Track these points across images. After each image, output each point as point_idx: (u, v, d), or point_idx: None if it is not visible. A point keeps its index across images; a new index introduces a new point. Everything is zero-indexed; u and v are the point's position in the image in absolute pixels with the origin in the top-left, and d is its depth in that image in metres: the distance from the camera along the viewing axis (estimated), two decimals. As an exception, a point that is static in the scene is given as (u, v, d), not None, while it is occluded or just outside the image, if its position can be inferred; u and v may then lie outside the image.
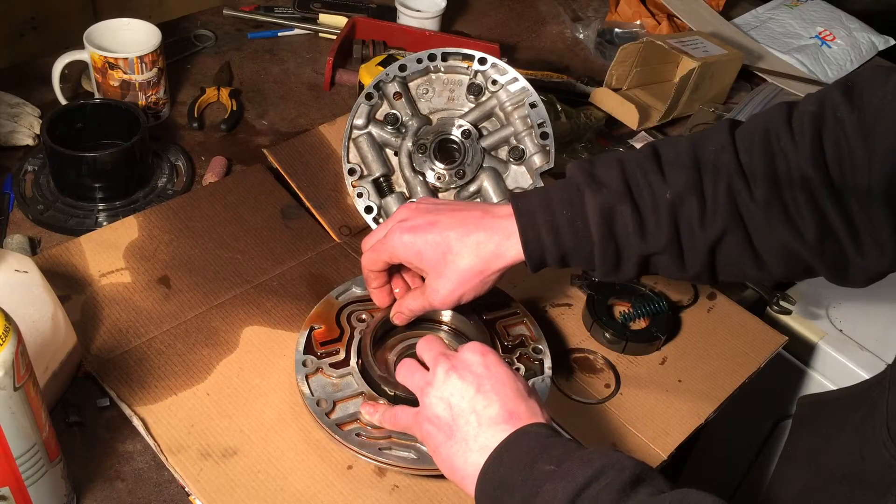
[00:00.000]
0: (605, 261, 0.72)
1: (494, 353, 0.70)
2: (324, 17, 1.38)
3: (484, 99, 1.00)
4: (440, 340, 0.74)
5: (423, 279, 0.80)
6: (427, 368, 0.71)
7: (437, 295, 0.77)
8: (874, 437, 0.71)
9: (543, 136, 0.98)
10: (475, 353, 0.69)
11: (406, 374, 0.73)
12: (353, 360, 0.81)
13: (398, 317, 0.83)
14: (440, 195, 0.99)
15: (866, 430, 0.74)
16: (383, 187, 1.00)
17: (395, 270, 0.83)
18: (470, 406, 0.66)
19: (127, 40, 1.11)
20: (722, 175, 0.69)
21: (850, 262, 0.68)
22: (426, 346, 0.73)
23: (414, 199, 0.98)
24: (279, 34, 1.37)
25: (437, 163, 0.98)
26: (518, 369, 0.83)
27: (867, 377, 1.04)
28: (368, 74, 1.16)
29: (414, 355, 0.86)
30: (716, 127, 0.72)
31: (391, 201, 0.99)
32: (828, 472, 0.77)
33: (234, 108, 1.18)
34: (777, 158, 0.68)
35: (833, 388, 1.08)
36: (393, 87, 1.00)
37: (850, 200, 0.66)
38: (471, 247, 0.74)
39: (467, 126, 0.98)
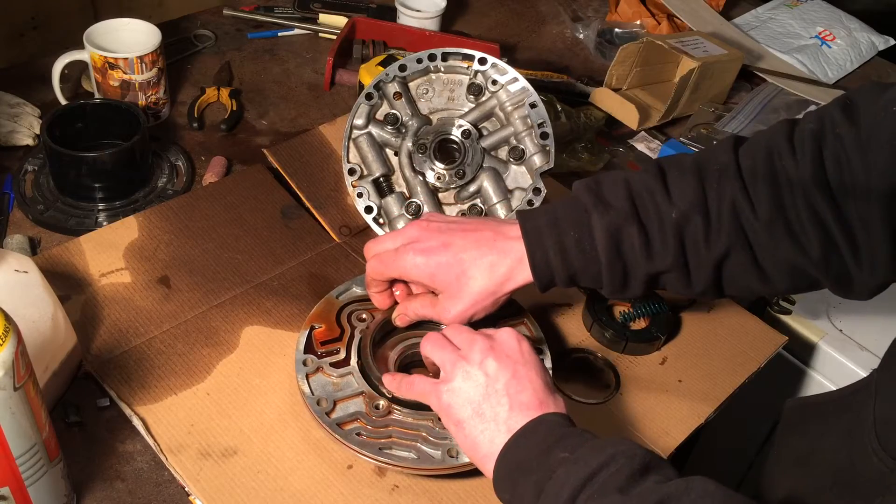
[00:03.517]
0: (612, 280, 0.73)
1: (528, 342, 0.72)
2: (324, 17, 1.38)
3: (484, 99, 1.00)
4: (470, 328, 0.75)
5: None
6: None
7: (449, 314, 0.77)
8: (862, 444, 0.71)
9: (543, 136, 0.98)
10: (512, 339, 0.71)
11: (434, 346, 0.73)
12: (354, 360, 0.81)
13: (401, 318, 0.83)
14: (440, 195, 0.99)
15: (853, 437, 0.74)
16: (383, 187, 1.00)
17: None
18: (504, 388, 0.68)
19: (127, 40, 1.11)
20: (726, 194, 0.70)
21: (853, 277, 0.69)
22: (457, 328, 0.74)
23: (416, 200, 0.98)
24: (279, 34, 1.37)
25: (437, 163, 0.98)
26: None
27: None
28: (368, 74, 1.16)
29: (411, 357, 0.86)
30: (720, 144, 0.73)
31: (391, 201, 0.99)
32: (816, 477, 0.77)
33: (234, 108, 1.18)
34: (779, 176, 0.69)
35: (833, 388, 1.08)
36: (393, 87, 1.00)
37: (852, 216, 0.67)
38: (484, 269, 0.75)
39: (467, 126, 0.98)
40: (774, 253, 0.70)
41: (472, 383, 0.69)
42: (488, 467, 0.67)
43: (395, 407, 0.77)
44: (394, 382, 0.77)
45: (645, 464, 0.60)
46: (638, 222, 0.71)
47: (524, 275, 0.75)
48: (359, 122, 0.99)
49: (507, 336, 0.72)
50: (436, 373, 0.75)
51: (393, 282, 0.83)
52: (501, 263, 0.75)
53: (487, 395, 0.68)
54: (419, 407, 0.77)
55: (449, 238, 0.76)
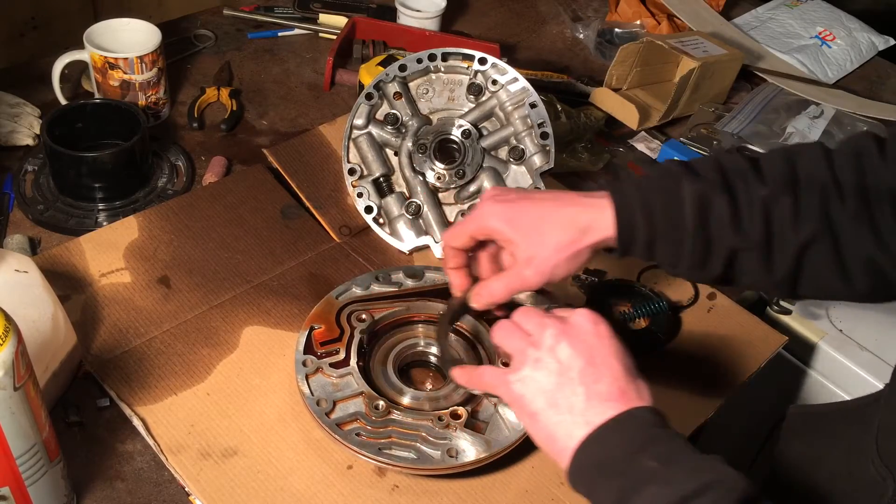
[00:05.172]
0: (694, 251, 0.70)
1: (606, 324, 0.67)
2: (324, 17, 1.38)
3: (484, 99, 1.00)
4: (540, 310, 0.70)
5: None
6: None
7: (529, 267, 0.71)
8: (863, 454, 0.71)
9: (543, 136, 0.98)
10: (587, 321, 0.66)
11: (503, 333, 0.69)
12: (353, 360, 0.81)
13: (476, 299, 0.76)
14: (440, 195, 0.99)
15: (856, 446, 0.74)
16: (383, 187, 1.00)
17: (472, 260, 0.79)
18: (579, 377, 0.63)
19: (127, 40, 1.11)
20: (816, 182, 0.69)
21: None
22: (528, 312, 0.69)
23: (416, 199, 0.98)
24: (279, 34, 1.37)
25: (437, 163, 0.98)
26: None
27: (867, 377, 1.04)
28: (368, 74, 1.16)
29: (411, 357, 0.86)
30: (807, 144, 0.73)
31: (391, 201, 0.99)
32: (817, 485, 0.77)
33: (234, 108, 1.18)
34: (868, 175, 0.69)
35: (833, 388, 1.08)
36: (393, 87, 1.00)
37: None
38: (566, 218, 0.71)
39: (467, 126, 0.98)
40: (857, 247, 0.68)
41: (543, 371, 0.64)
42: (565, 460, 0.63)
43: (395, 407, 0.77)
44: (463, 375, 0.73)
45: (745, 498, 0.56)
46: (728, 193, 0.69)
47: (606, 227, 0.71)
48: (359, 122, 0.99)
49: (581, 317, 0.66)
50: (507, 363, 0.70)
51: (470, 262, 0.78)
52: (583, 214, 0.71)
53: (561, 385, 0.63)
54: (418, 405, 0.77)
55: (528, 194, 0.73)
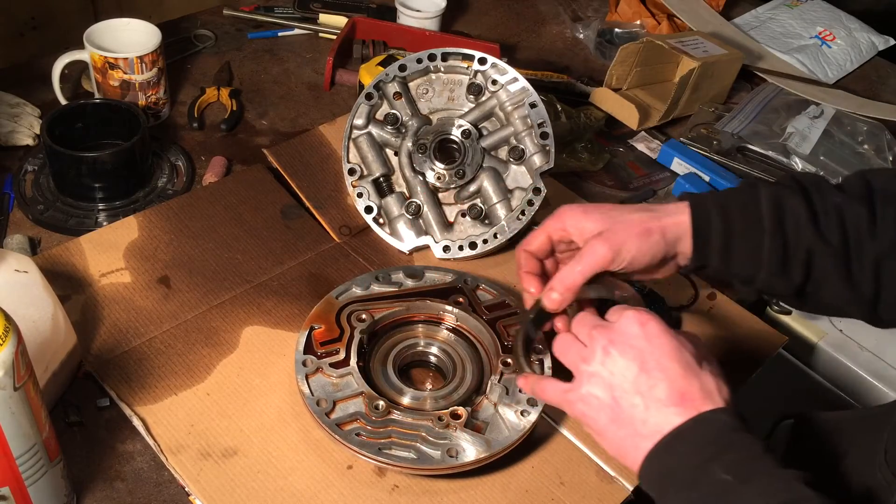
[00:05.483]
0: (773, 253, 0.69)
1: (656, 321, 0.64)
2: (324, 17, 1.38)
3: (484, 99, 1.00)
4: (594, 314, 0.69)
5: None
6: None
7: (599, 239, 0.69)
8: (871, 461, 0.71)
9: (543, 136, 0.98)
10: (634, 324, 0.64)
11: (562, 349, 0.68)
12: (353, 360, 0.81)
13: (548, 295, 0.72)
14: (440, 195, 0.99)
15: (866, 453, 0.74)
16: (383, 187, 1.00)
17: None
18: (633, 387, 0.62)
19: (127, 40, 1.11)
20: (891, 194, 0.70)
21: None
22: (580, 321, 0.68)
23: (416, 199, 0.98)
24: (279, 34, 1.37)
25: (437, 163, 0.98)
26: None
27: (867, 378, 1.04)
28: (368, 74, 1.16)
29: (411, 357, 0.86)
30: (883, 168, 0.75)
31: (391, 201, 0.99)
32: (824, 489, 0.78)
33: (234, 108, 1.18)
34: None
35: (833, 388, 1.08)
36: (393, 87, 1.00)
37: None
38: (638, 208, 0.72)
39: (467, 126, 0.98)
40: None
41: (599, 387, 0.63)
42: (636, 471, 0.62)
43: (395, 407, 0.77)
44: (527, 384, 0.72)
45: None
46: (803, 196, 0.69)
47: (680, 211, 0.70)
48: (359, 122, 0.99)
49: (627, 322, 0.64)
50: None
51: (543, 272, 0.77)
52: (657, 206, 0.72)
53: (618, 398, 0.62)
54: (418, 405, 0.77)
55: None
